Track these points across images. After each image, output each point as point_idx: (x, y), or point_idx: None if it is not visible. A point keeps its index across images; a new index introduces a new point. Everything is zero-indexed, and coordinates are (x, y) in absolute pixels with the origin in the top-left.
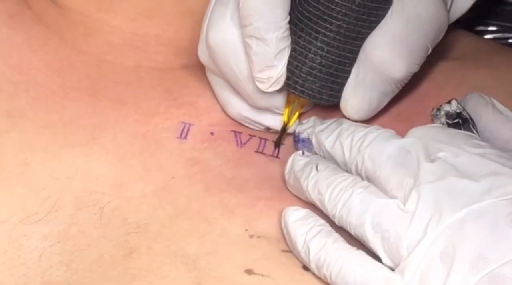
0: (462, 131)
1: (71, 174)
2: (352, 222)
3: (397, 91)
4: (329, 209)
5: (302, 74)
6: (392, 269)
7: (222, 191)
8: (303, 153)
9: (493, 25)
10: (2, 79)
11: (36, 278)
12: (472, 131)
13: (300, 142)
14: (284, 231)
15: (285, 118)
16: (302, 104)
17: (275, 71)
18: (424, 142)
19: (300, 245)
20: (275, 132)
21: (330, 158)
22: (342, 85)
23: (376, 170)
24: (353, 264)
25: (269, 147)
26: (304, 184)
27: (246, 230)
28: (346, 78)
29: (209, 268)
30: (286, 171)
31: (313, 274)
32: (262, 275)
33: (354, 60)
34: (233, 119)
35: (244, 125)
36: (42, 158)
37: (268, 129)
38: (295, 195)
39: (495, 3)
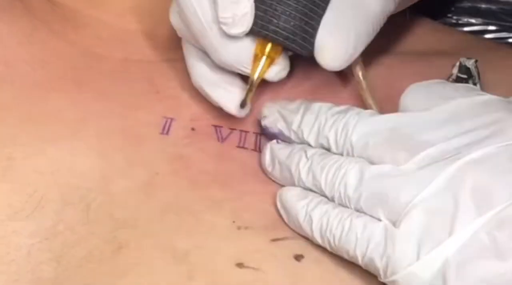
0: (464, 84)
1: (55, 169)
2: (350, 196)
3: (373, 35)
4: (327, 191)
5: (276, 12)
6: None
7: (207, 187)
8: (277, 142)
9: (493, 24)
10: None
11: (27, 274)
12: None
13: (271, 136)
14: (281, 211)
15: (252, 73)
16: (271, 58)
17: (239, 7)
18: (419, 105)
19: (302, 217)
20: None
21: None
22: (315, 29)
23: (368, 154)
24: (354, 223)
25: (250, 141)
26: (295, 173)
27: (234, 222)
28: (316, 26)
29: (200, 262)
30: (267, 162)
31: (305, 264)
32: (253, 268)
33: (327, 3)
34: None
35: (224, 119)
36: (26, 153)
37: (242, 105)
38: (280, 187)
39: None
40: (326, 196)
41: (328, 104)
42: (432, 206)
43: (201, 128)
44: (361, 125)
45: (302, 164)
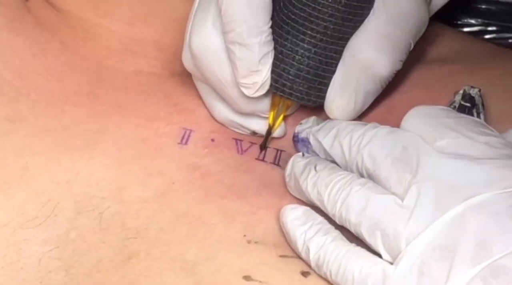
0: (468, 116)
1: (71, 179)
2: (352, 221)
3: (381, 90)
4: (329, 208)
5: (290, 76)
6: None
7: (222, 198)
8: (303, 154)
9: (493, 25)
10: (3, 83)
11: (36, 282)
12: (476, 116)
13: (299, 142)
14: (284, 231)
15: (270, 120)
16: (287, 106)
17: (260, 76)
18: (423, 132)
19: (300, 246)
20: (262, 136)
21: (329, 158)
22: (324, 89)
23: (376, 168)
24: (352, 261)
25: (270, 155)
26: (303, 185)
27: (244, 235)
28: (331, 77)
29: (207, 274)
30: (287, 173)
31: (312, 280)
32: (260, 281)
33: (338, 59)
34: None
35: (244, 134)
36: (42, 162)
37: (254, 133)
38: (295, 201)
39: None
40: (328, 213)
41: (356, 121)
42: (431, 250)
43: (221, 140)
44: (377, 138)
45: (310, 177)
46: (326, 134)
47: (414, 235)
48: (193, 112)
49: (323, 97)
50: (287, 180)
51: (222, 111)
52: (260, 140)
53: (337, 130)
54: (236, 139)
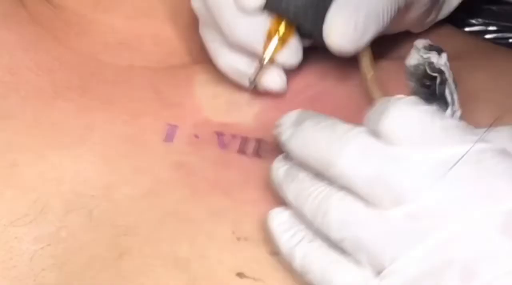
0: (454, 121)
1: (59, 176)
2: (332, 237)
3: (382, 24)
4: (311, 222)
5: None
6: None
7: (208, 195)
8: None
9: (493, 25)
10: None
11: (29, 281)
12: (448, 102)
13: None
14: (269, 236)
15: (263, 50)
16: (284, 39)
17: None
18: (405, 143)
19: (285, 253)
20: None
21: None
22: (327, 9)
23: (353, 188)
24: (335, 271)
25: (250, 147)
26: (285, 195)
27: (233, 232)
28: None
29: (201, 271)
30: (272, 176)
31: None
32: (253, 278)
33: None
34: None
35: (227, 126)
36: (31, 159)
37: (254, 84)
38: (279, 196)
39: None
40: (311, 225)
41: (315, 120)
42: (416, 269)
43: (204, 135)
44: (351, 147)
45: (292, 188)
46: (296, 145)
47: (399, 255)
48: (179, 105)
49: (321, 23)
50: (272, 183)
51: (224, 56)
52: (247, 133)
53: (304, 140)
54: (218, 133)
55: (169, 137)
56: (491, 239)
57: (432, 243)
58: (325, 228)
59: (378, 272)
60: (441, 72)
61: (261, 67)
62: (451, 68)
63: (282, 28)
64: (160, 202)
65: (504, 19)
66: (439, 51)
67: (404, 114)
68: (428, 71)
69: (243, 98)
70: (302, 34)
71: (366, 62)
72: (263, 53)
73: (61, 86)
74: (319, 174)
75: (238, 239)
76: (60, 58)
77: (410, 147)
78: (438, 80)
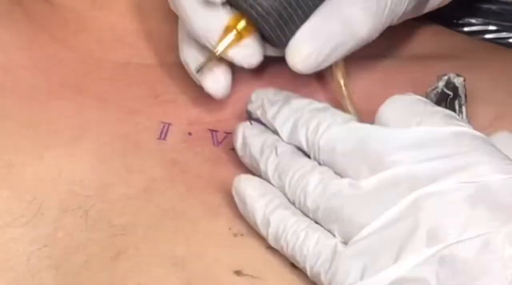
0: (444, 109)
1: (55, 176)
2: (309, 207)
3: (353, 50)
4: (289, 195)
5: None
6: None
7: (203, 192)
8: (250, 123)
9: (493, 24)
10: None
11: (26, 282)
12: (455, 109)
13: (253, 122)
14: (237, 201)
15: (218, 40)
16: (241, 35)
17: None
18: (395, 121)
19: (259, 218)
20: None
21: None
22: (292, 22)
23: (332, 161)
24: (309, 235)
25: None
26: (263, 168)
27: (230, 229)
28: (300, 18)
29: (198, 270)
30: (238, 146)
31: (302, 271)
32: (252, 276)
33: (315, 6)
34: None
35: (220, 123)
36: (26, 159)
37: (197, 71)
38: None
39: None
40: (288, 198)
41: (309, 100)
42: (383, 233)
43: (198, 132)
44: (332, 129)
45: (270, 161)
46: (283, 123)
47: (368, 221)
48: (173, 103)
49: (281, 29)
50: (240, 153)
51: (184, 50)
52: (231, 124)
53: (295, 119)
54: (211, 130)
55: (162, 135)
56: (459, 208)
57: (399, 209)
58: (302, 198)
59: (347, 242)
60: (455, 88)
61: (210, 56)
62: (450, 68)
63: (241, 24)
64: (156, 200)
65: (504, 19)
66: (457, 74)
67: (399, 98)
68: (445, 89)
69: (236, 95)
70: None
71: (338, 78)
72: (218, 41)
73: (56, 85)
74: (301, 149)
75: (235, 235)
76: (55, 56)
77: (395, 125)
78: (451, 95)
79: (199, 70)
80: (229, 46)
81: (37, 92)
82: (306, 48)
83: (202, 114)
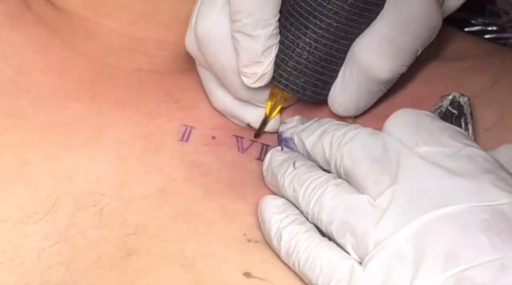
0: (453, 126)
1: (71, 175)
2: (323, 220)
3: (384, 91)
4: (303, 206)
5: (287, 68)
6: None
7: (222, 196)
8: (282, 149)
9: (493, 25)
10: (4, 79)
11: (35, 278)
12: (462, 127)
13: (283, 141)
14: (260, 218)
15: (267, 110)
16: (285, 98)
17: (261, 68)
18: (404, 137)
19: (273, 232)
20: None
21: (310, 158)
22: (326, 83)
23: (354, 168)
24: (322, 252)
25: None
26: (280, 180)
27: (244, 234)
28: (331, 76)
29: (207, 271)
30: (264, 167)
31: None
32: (260, 278)
33: (341, 59)
34: (231, 122)
35: (246, 130)
36: (43, 158)
37: (248, 125)
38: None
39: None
40: (302, 210)
41: (340, 122)
42: (399, 253)
43: (222, 137)
44: (359, 137)
45: (287, 174)
46: (309, 135)
47: (383, 238)
48: (194, 109)
49: (319, 94)
50: (264, 173)
51: (221, 98)
52: (266, 140)
53: (322, 131)
54: (237, 137)
55: (185, 137)
56: (474, 232)
57: (416, 226)
58: (317, 211)
59: (362, 259)
60: (460, 107)
61: (264, 122)
62: (451, 68)
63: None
64: (172, 201)
65: (504, 19)
66: (462, 94)
67: (407, 113)
68: (449, 107)
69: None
70: None
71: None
72: (266, 111)
73: (71, 88)
74: (322, 165)
75: (249, 241)
76: (69, 59)
77: (405, 140)
78: (456, 114)
79: (258, 135)
80: (277, 109)
81: (53, 94)
82: (342, 100)
83: (226, 121)
